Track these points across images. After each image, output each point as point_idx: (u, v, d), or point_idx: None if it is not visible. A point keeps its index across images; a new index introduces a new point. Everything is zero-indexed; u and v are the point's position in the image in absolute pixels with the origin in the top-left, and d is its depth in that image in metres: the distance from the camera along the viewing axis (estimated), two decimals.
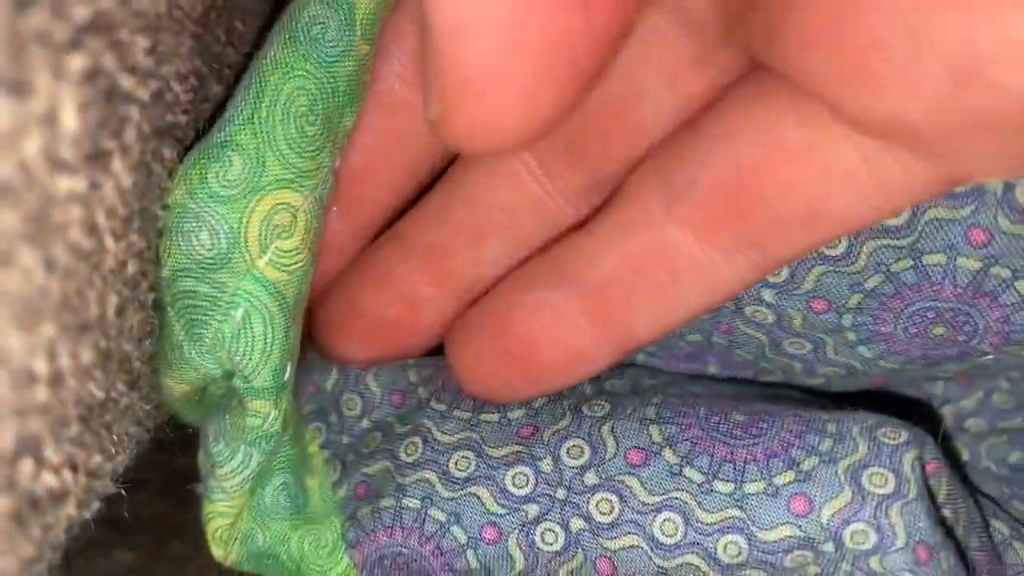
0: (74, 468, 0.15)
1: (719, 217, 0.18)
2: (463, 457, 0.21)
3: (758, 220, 0.17)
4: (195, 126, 0.18)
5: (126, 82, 0.14)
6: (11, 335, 0.13)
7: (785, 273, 0.21)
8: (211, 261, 0.18)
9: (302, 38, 0.19)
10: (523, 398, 0.22)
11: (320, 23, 0.19)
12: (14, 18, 0.12)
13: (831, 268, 0.20)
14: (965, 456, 0.24)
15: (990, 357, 0.21)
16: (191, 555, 0.25)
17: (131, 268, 0.16)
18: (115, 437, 0.16)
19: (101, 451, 0.16)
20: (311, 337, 0.24)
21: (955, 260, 0.20)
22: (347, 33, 0.19)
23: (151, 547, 0.28)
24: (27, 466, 0.14)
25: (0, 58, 0.12)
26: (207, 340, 0.19)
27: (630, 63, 0.18)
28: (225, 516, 0.21)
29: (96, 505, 0.17)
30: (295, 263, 0.19)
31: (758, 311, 0.22)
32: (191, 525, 0.23)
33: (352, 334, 0.23)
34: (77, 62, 0.13)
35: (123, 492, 0.18)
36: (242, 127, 0.18)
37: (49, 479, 0.14)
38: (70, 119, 0.13)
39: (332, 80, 0.19)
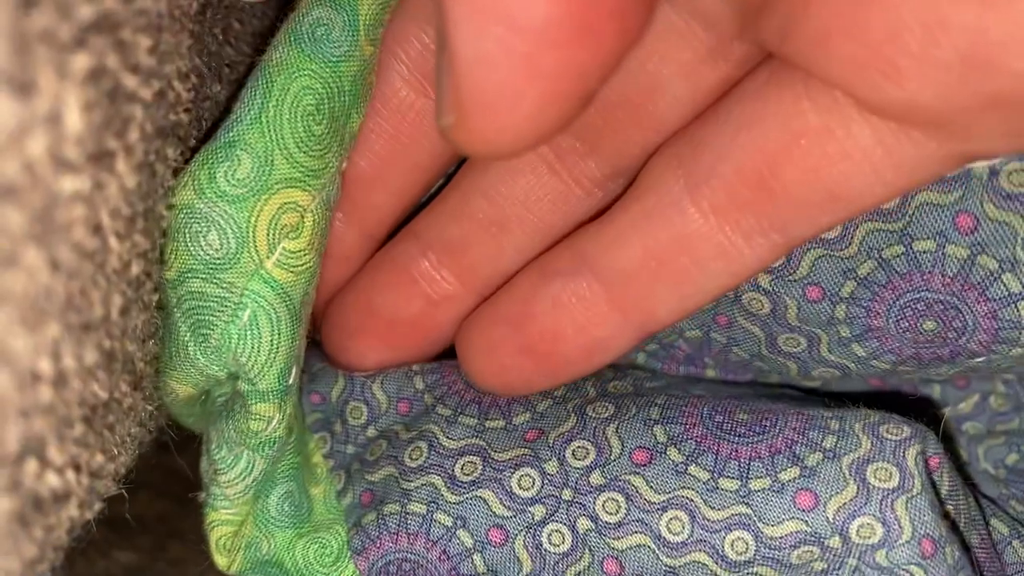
0: (77, 469, 0.15)
1: (742, 202, 0.18)
2: (469, 462, 0.21)
3: (780, 203, 0.18)
4: (197, 125, 0.18)
5: (129, 82, 0.14)
6: (16, 335, 0.13)
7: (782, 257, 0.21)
8: (219, 261, 0.19)
9: (307, 39, 0.19)
10: (538, 390, 0.22)
11: (324, 25, 0.19)
12: (19, 18, 0.12)
13: (826, 252, 0.21)
14: (963, 458, 0.24)
15: (981, 359, 0.21)
16: (191, 556, 0.25)
17: (135, 268, 0.15)
18: (118, 438, 0.16)
19: (104, 452, 0.16)
20: (318, 345, 0.24)
21: (944, 247, 0.20)
22: (350, 34, 0.19)
23: (151, 548, 0.28)
24: (31, 467, 0.14)
25: (5, 58, 0.12)
26: (213, 341, 0.19)
27: (647, 58, 0.18)
28: (229, 524, 0.21)
29: (98, 506, 0.17)
30: (303, 264, 0.19)
31: (755, 299, 0.22)
32: (191, 526, 0.23)
33: (368, 336, 0.23)
34: (81, 62, 0.13)
35: (124, 493, 0.18)
36: (250, 126, 0.18)
37: (52, 480, 0.14)
38: (74, 119, 0.13)
39: (337, 80, 0.19)
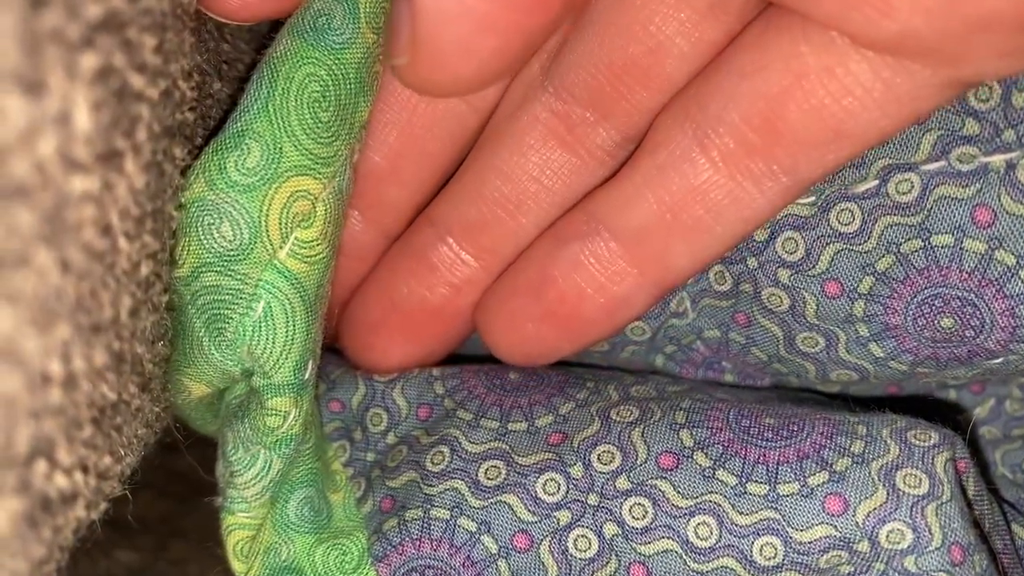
0: (85, 470, 0.15)
1: (750, 147, 0.19)
2: (492, 466, 0.21)
3: (787, 145, 0.19)
4: (203, 124, 0.19)
5: (136, 81, 0.14)
6: (27, 336, 0.13)
7: (801, 251, 0.21)
8: (233, 253, 0.19)
9: (309, 30, 0.19)
10: (562, 356, 0.22)
11: (324, 15, 0.19)
12: (29, 17, 0.12)
13: (845, 247, 0.21)
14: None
15: (999, 360, 0.21)
16: (192, 556, 0.25)
17: (144, 269, 0.16)
18: (125, 439, 0.16)
19: (111, 453, 0.16)
20: (337, 352, 0.24)
21: (962, 242, 0.20)
22: (351, 22, 0.19)
23: (153, 547, 0.28)
24: (40, 468, 0.14)
25: (16, 57, 0.12)
26: (228, 335, 0.19)
27: (649, 19, 0.19)
28: (246, 528, 0.21)
29: (103, 506, 0.17)
30: (316, 254, 0.20)
31: (774, 295, 0.22)
32: (193, 526, 0.23)
33: (392, 329, 0.23)
34: (90, 61, 0.13)
35: (128, 494, 0.18)
36: (257, 115, 0.19)
37: (61, 481, 0.14)
38: (83, 118, 0.13)
39: (341, 67, 0.19)
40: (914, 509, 0.19)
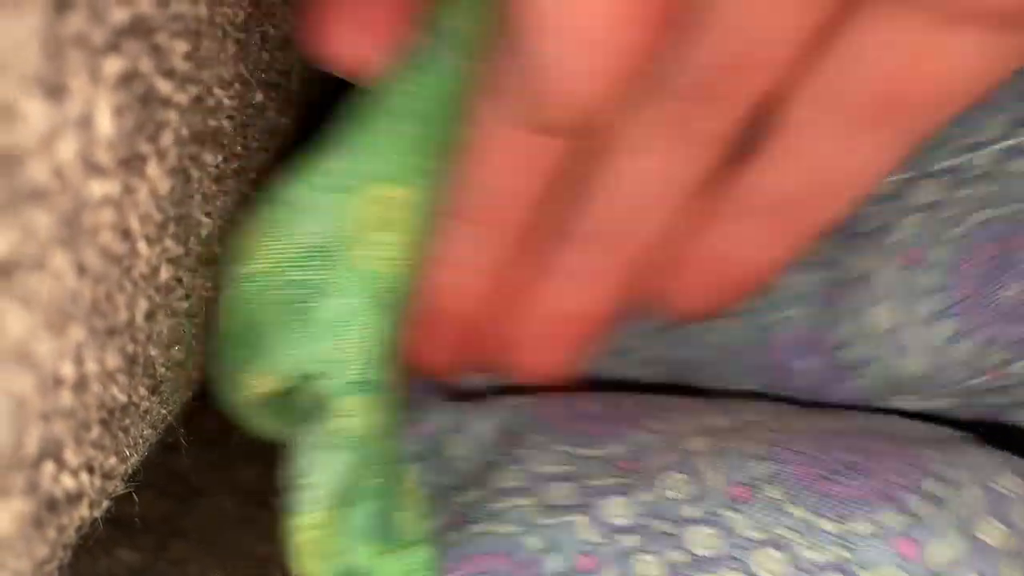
0: (91, 470, 0.15)
1: (872, 123, 0.21)
2: (562, 487, 0.21)
3: (904, 117, 0.21)
4: (242, 133, 0.19)
5: (163, 86, 0.14)
6: (41, 339, 0.13)
7: (877, 224, 0.23)
8: (315, 251, 0.19)
9: (407, 55, 0.20)
10: (723, 310, 0.25)
11: (422, 44, 0.20)
12: (53, 21, 0.12)
13: (926, 215, 0.23)
14: None
15: None
16: (193, 555, 0.25)
17: (164, 274, 0.16)
18: (131, 440, 0.16)
19: (117, 453, 0.16)
20: (422, 378, 0.25)
21: None
22: (451, 49, 0.20)
23: (153, 547, 0.28)
24: (48, 469, 0.14)
25: (38, 61, 0.12)
26: (302, 332, 0.20)
27: (741, 19, 0.20)
28: (312, 530, 0.21)
29: (105, 504, 0.17)
30: (398, 257, 0.20)
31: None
32: (194, 526, 0.23)
33: (528, 342, 0.25)
34: (114, 65, 0.13)
35: (134, 495, 0.18)
36: (349, 123, 0.19)
37: (67, 481, 0.15)
38: (105, 123, 0.13)
39: (435, 88, 0.20)
40: (988, 561, 0.18)
